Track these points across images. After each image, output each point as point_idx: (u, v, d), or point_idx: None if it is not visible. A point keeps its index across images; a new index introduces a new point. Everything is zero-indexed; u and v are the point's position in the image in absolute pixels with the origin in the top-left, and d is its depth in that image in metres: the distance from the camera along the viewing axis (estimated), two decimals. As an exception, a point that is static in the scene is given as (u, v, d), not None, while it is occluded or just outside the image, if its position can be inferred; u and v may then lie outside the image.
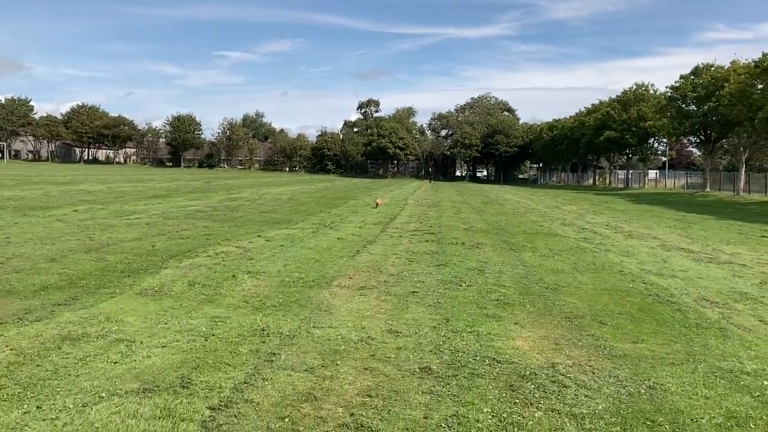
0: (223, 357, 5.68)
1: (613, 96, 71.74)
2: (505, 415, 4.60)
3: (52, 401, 4.49)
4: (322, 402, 4.71)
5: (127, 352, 5.70)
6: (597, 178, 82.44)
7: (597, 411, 4.76)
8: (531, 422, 4.50)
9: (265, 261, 11.14)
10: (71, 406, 4.41)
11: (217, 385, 4.96)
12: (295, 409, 4.56)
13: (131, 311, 7.34)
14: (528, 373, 5.55)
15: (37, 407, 4.37)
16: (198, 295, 8.37)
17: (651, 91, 65.81)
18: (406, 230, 17.55)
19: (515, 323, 7.54)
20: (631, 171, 72.89)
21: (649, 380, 5.53)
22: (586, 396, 5.05)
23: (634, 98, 65.46)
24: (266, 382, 5.07)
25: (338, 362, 5.68)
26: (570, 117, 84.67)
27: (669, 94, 56.21)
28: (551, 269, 11.52)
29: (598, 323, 7.68)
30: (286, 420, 4.35)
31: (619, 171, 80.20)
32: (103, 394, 4.64)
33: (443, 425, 4.38)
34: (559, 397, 4.99)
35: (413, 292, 9.05)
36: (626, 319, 7.99)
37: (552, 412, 4.71)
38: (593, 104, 76.38)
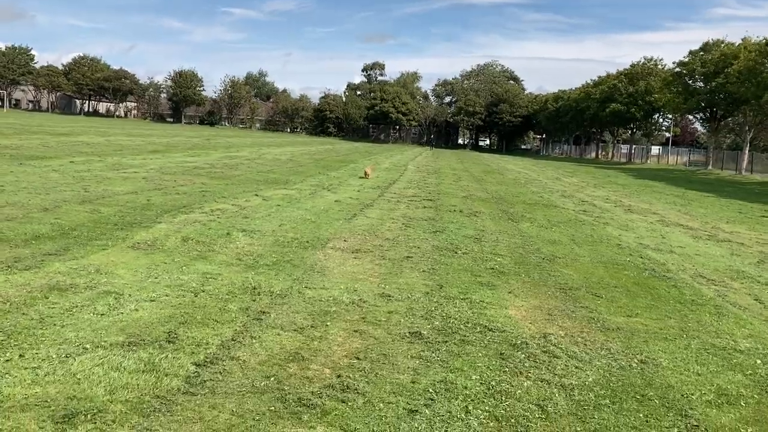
0: (211, 314, 5.61)
1: (621, 69, 71.06)
2: (493, 383, 4.55)
3: (36, 350, 4.42)
4: (309, 362, 4.65)
5: (115, 304, 5.63)
6: (600, 151, 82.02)
7: (587, 383, 4.70)
8: (519, 391, 4.45)
9: (261, 220, 11.05)
10: (54, 356, 4.34)
11: (204, 341, 4.90)
12: (282, 368, 4.50)
13: (122, 264, 7.26)
14: (519, 342, 5.49)
15: (20, 356, 4.31)
16: (191, 251, 8.28)
17: (659, 66, 65.05)
18: (404, 196, 17.43)
19: (509, 292, 7.48)
20: (634, 146, 72.45)
21: (641, 354, 5.47)
22: (576, 367, 5.00)
23: (642, 72, 64.73)
24: (254, 341, 5.01)
25: (328, 323, 5.61)
26: (576, 88, 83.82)
27: (677, 69, 55.52)
28: (548, 240, 11.43)
29: (593, 295, 7.62)
30: (272, 379, 4.29)
31: (622, 145, 79.75)
32: (88, 346, 4.58)
33: (430, 390, 4.33)
34: (549, 368, 4.94)
35: (408, 257, 8.97)
36: (621, 292, 7.92)
37: (541, 382, 4.66)
38: (600, 76, 75.58)
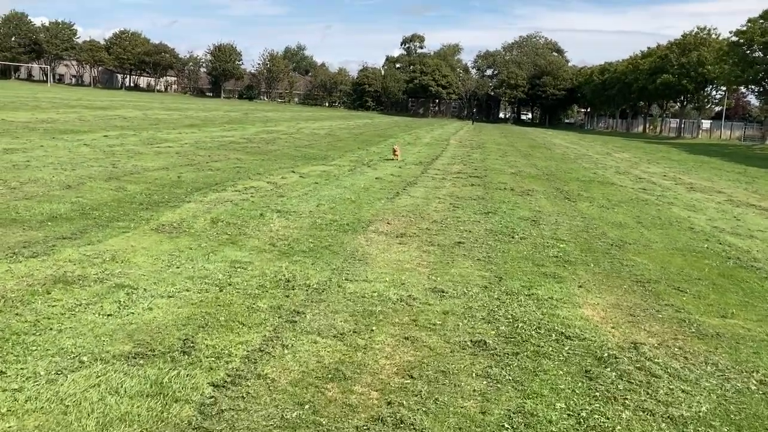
0: (237, 314, 4.78)
1: (671, 40, 67.92)
2: (583, 413, 3.61)
3: (22, 365, 3.64)
4: (352, 382, 3.78)
5: (126, 301, 4.83)
6: (648, 125, 79.07)
7: (700, 414, 3.73)
8: (619, 427, 3.50)
9: (297, 199, 10.20)
10: (42, 373, 3.55)
11: (226, 351, 4.06)
12: (319, 390, 3.64)
13: (142, 250, 6.48)
14: (605, 355, 4.53)
15: (1, 372, 3.53)
16: (220, 235, 7.49)
17: (713, 36, 61.91)
18: (449, 172, 16.41)
19: (579, 286, 6.49)
20: (684, 120, 69.49)
21: (757, 371, 4.46)
22: (683, 391, 4.02)
23: (694, 42, 61.67)
24: (286, 351, 4.15)
25: (373, 328, 4.73)
26: (624, 60, 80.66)
27: (733, 38, 52.65)
28: (613, 222, 10.35)
29: (676, 290, 6.59)
30: (306, 407, 3.43)
31: (671, 119, 76.77)
32: (85, 358, 3.78)
33: (506, 425, 3.42)
34: (650, 392, 3.97)
35: (459, 242, 8.02)
36: (707, 286, 6.88)
37: (643, 412, 3.70)
38: (649, 47, 72.49)
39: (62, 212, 7.92)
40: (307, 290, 5.53)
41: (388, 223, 8.94)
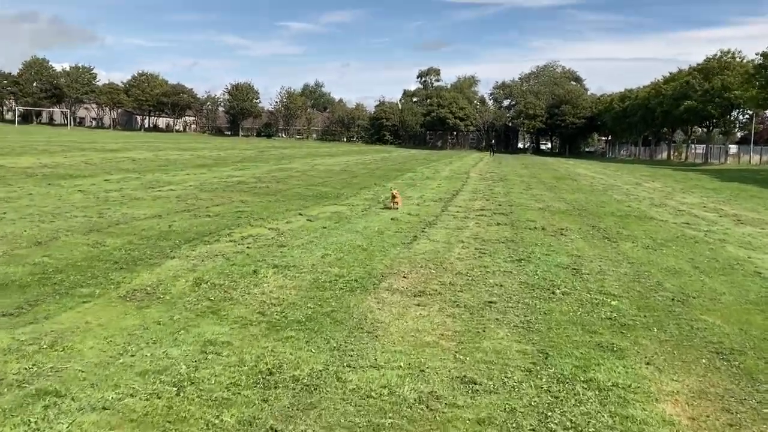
0: (192, 435, 3.45)
1: (692, 65, 66.40)
2: None
3: None
4: None
5: (39, 422, 3.53)
6: (672, 152, 77.18)
7: None
8: None
9: (300, 249, 8.91)
10: None
11: None
12: None
13: (97, 329, 5.21)
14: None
15: None
16: (200, 301, 6.20)
17: (737, 59, 60.34)
18: (472, 209, 15.06)
19: (647, 363, 5.09)
20: (711, 145, 67.57)
21: None
22: None
23: (717, 67, 60.11)
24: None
25: (381, 455, 3.36)
26: (645, 87, 79.18)
27: (759, 61, 51.11)
28: (666, 268, 8.90)
29: (770, 365, 5.14)
30: None
31: (696, 145, 74.88)
32: None
33: None
34: None
35: (490, 302, 6.65)
36: (807, 356, 5.41)
37: None
38: (671, 72, 70.95)
39: (17, 277, 6.70)
40: (294, 388, 4.19)
41: (404, 277, 7.60)
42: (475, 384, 4.43)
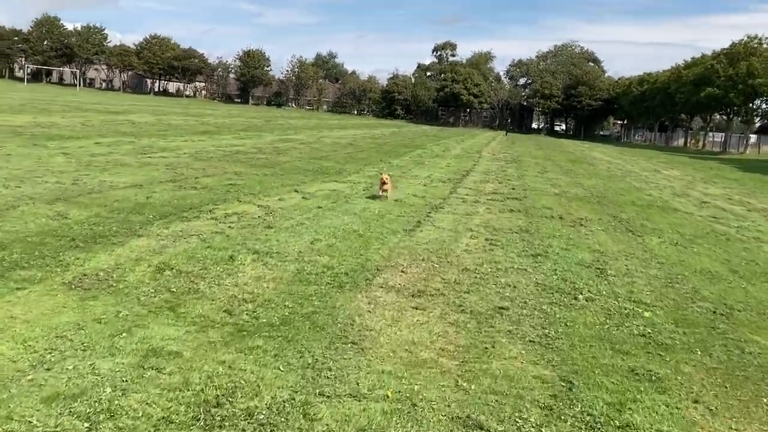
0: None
1: (716, 50, 64.33)
2: None
3: None
4: None
5: None
6: (689, 139, 75.34)
7: None
8: None
9: (288, 233, 7.91)
10: None
11: None
12: None
13: (20, 326, 4.26)
14: None
15: None
16: (159, 293, 5.24)
17: (765, 45, 58.29)
18: (483, 192, 14.01)
19: (695, 401, 4.11)
20: (730, 134, 65.75)
21: None
22: None
23: (744, 52, 58.10)
24: None
25: None
26: (665, 71, 77.05)
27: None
28: (700, 271, 7.86)
29: None
30: None
31: (714, 133, 73.04)
32: None
33: None
34: None
35: (501, 308, 5.65)
36: None
37: None
38: (694, 57, 68.80)
39: (-50, 253, 5.75)
40: (244, 430, 3.21)
41: (402, 271, 6.60)
42: (481, 429, 3.45)
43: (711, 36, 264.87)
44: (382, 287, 5.98)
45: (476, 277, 6.59)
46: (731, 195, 18.99)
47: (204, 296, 5.28)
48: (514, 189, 15.15)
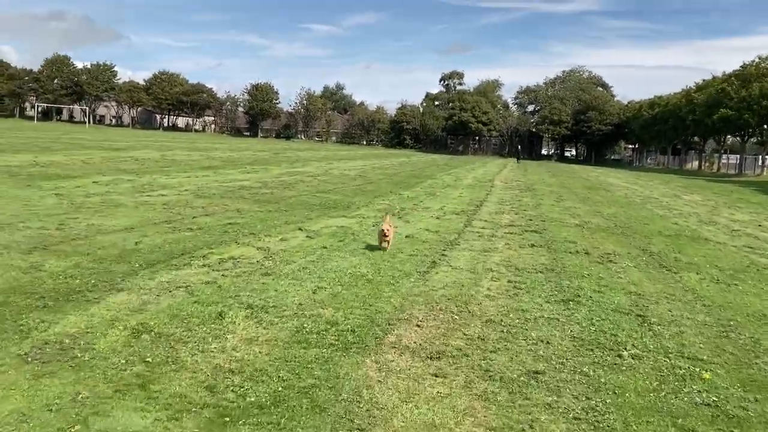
0: None
1: (727, 72, 63.63)
2: None
3: None
4: None
5: None
6: (704, 162, 74.26)
7: None
8: None
9: (288, 280, 7.09)
10: None
11: None
12: None
13: (-54, 421, 3.44)
14: None
15: None
16: (131, 364, 4.43)
17: (777, 65, 57.47)
18: (499, 225, 13.17)
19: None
20: (746, 156, 64.65)
21: None
22: None
23: (756, 73, 57.33)
24: None
25: None
26: (675, 93, 76.34)
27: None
28: (753, 315, 6.96)
29: None
30: None
31: (729, 155, 71.95)
32: None
33: None
34: None
35: (536, 372, 4.78)
36: None
37: None
38: (704, 80, 68.07)
39: None
40: None
41: (417, 325, 5.76)
42: None
43: (718, 59, 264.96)
44: (394, 347, 5.13)
45: (503, 331, 5.73)
46: (760, 221, 18.02)
47: (183, 367, 4.46)
48: (531, 220, 14.30)
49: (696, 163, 76.45)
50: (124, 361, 4.48)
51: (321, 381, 4.37)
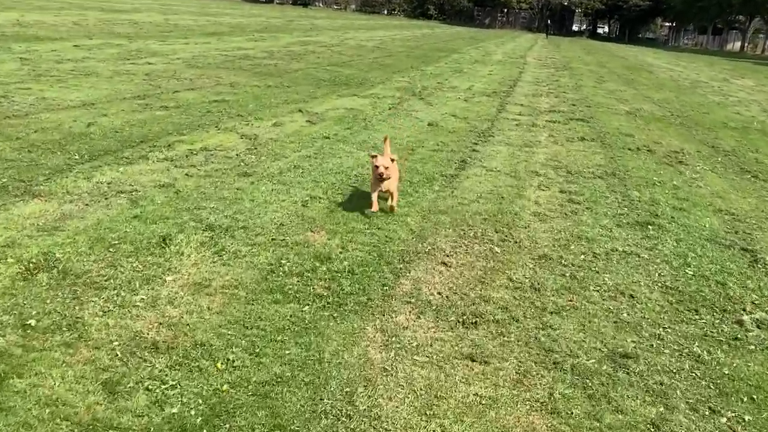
0: None
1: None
2: None
3: None
4: None
5: None
6: (747, 43, 69.24)
7: None
8: None
9: (271, 184, 5.37)
10: None
11: None
12: None
13: None
14: None
15: None
16: (3, 327, 2.82)
17: None
18: (538, 110, 11.19)
19: None
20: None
21: None
22: None
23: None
24: None
25: None
26: (725, -36, 69.96)
27: None
28: None
29: None
30: None
31: (776, 36, 66.94)
32: None
33: None
34: None
35: (624, 355, 3.13)
36: None
37: None
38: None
39: None
40: None
41: (443, 263, 4.08)
42: None
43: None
44: (409, 303, 3.48)
45: (564, 275, 4.04)
46: (831, 112, 15.76)
47: (81, 338, 2.86)
48: (575, 105, 12.25)
49: (738, 44, 71.43)
50: (-9, 327, 2.89)
51: (293, 370, 2.76)
